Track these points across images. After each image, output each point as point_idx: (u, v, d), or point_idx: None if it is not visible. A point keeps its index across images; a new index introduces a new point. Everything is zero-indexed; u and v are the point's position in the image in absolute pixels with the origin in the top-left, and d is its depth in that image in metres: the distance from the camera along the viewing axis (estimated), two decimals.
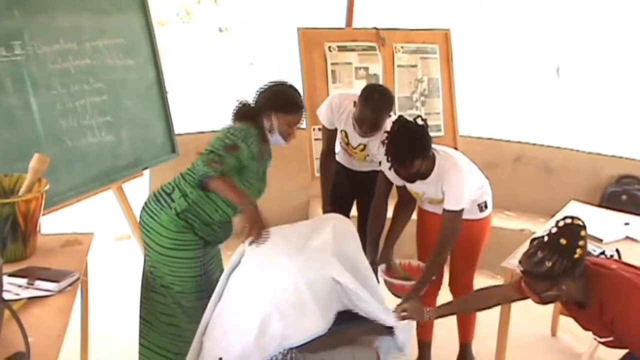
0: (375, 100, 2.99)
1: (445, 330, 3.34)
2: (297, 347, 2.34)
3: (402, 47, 4.38)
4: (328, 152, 3.42)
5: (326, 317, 2.38)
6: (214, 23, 9.13)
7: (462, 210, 2.87)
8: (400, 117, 2.84)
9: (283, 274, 2.47)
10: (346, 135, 3.28)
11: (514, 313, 2.98)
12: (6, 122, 3.09)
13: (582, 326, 2.43)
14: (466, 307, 2.81)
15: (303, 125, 4.11)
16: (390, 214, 3.20)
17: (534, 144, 5.17)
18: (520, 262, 2.25)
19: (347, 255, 2.67)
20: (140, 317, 2.82)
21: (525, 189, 5.03)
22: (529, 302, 2.50)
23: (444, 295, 3.16)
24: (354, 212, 3.60)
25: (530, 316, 3.63)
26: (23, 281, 2.28)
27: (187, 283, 2.71)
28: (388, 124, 3.04)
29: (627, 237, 3.22)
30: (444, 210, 2.87)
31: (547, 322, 3.74)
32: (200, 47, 8.30)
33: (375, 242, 3.19)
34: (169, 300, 2.73)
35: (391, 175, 3.03)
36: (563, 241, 2.16)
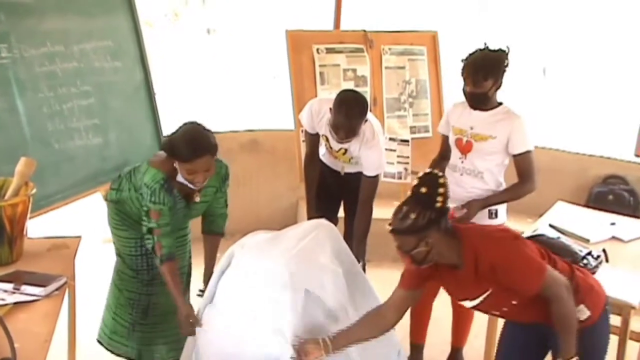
0: (348, 107, 3.00)
1: (437, 331, 3.36)
2: None
3: (389, 49, 4.39)
4: (311, 157, 3.44)
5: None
6: (202, 24, 9.09)
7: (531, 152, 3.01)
8: (486, 45, 2.98)
9: (274, 278, 2.48)
10: (327, 140, 3.29)
11: None
12: None
13: (457, 294, 2.42)
14: (367, 330, 2.43)
15: (291, 127, 4.13)
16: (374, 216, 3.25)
17: None
18: (389, 224, 2.23)
19: (339, 257, 2.69)
20: None
21: None
22: None
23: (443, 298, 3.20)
24: (341, 212, 3.62)
25: None
26: (9, 286, 2.28)
27: (128, 257, 2.92)
28: (367, 130, 3.07)
29: (614, 237, 3.23)
30: (518, 155, 3.01)
31: None
32: (189, 48, 8.27)
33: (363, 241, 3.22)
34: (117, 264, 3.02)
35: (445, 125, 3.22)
36: (423, 190, 2.16)
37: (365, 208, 3.22)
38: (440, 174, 2.21)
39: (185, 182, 2.66)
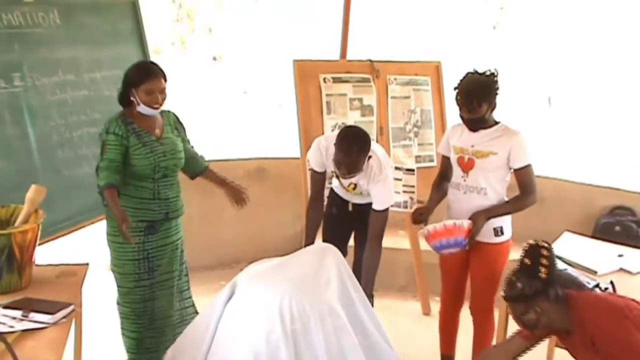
0: (348, 143, 3.00)
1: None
2: None
3: (395, 79, 4.42)
4: (315, 198, 3.40)
5: None
6: (208, 52, 9.19)
7: (531, 165, 3.07)
8: (475, 70, 3.07)
9: (275, 311, 2.50)
10: (337, 176, 3.30)
11: None
12: (3, 152, 3.13)
13: (576, 357, 2.43)
14: None
15: (297, 155, 4.14)
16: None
17: None
18: (503, 290, 2.34)
19: (343, 284, 2.70)
20: None
21: (518, 219, 4.96)
22: None
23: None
24: (351, 242, 3.62)
25: None
26: (18, 313, 2.29)
27: (126, 265, 3.04)
28: (375, 164, 3.09)
29: (621, 269, 3.21)
30: (519, 169, 3.06)
31: (542, 356, 3.72)
32: (195, 75, 8.36)
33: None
34: (115, 282, 3.12)
35: (446, 146, 3.31)
36: (527, 261, 2.27)
37: (374, 245, 3.21)
38: (544, 244, 2.28)
39: (146, 111, 2.95)
